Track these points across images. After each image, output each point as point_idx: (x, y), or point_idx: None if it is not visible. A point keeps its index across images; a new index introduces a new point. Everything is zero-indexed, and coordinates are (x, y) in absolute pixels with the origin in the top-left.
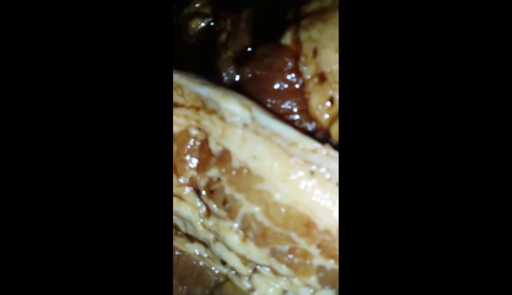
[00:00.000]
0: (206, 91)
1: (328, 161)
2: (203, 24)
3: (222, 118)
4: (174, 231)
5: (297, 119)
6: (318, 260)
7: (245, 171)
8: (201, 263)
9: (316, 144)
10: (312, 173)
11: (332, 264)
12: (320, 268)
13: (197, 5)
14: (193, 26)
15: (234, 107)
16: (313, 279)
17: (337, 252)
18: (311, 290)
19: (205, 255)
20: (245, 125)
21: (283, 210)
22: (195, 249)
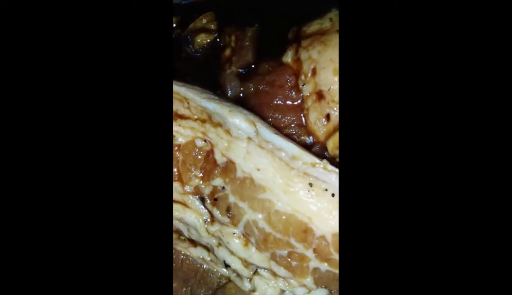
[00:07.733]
0: (213, 106)
1: (325, 174)
2: (208, 40)
3: (228, 131)
4: (177, 236)
5: (296, 132)
6: (314, 263)
7: (249, 181)
8: (204, 266)
9: (315, 159)
10: (310, 184)
11: (326, 266)
12: (315, 270)
13: (203, 20)
14: (198, 40)
15: (241, 123)
16: (308, 280)
17: (330, 256)
18: (307, 290)
19: (208, 259)
20: (249, 139)
21: (283, 217)
22: (199, 253)
